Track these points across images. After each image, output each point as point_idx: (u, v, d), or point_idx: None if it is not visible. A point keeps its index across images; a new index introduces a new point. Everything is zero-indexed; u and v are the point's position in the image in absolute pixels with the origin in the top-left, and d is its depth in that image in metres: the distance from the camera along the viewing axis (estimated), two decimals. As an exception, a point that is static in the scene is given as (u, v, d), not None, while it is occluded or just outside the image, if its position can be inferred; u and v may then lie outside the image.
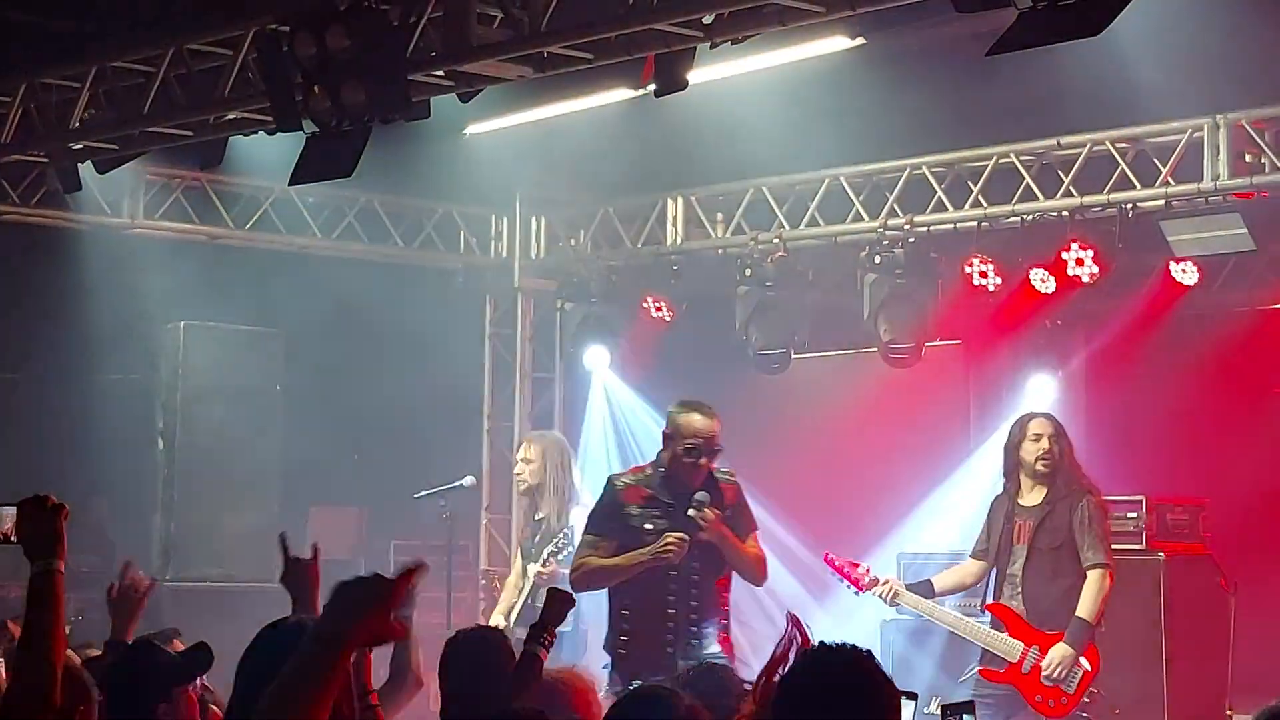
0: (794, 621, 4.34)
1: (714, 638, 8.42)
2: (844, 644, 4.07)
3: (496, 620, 11.06)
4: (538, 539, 11.09)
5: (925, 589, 10.19)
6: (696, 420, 8.40)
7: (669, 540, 8.23)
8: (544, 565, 10.84)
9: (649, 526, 8.38)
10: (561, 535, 10.81)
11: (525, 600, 10.93)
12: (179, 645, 6.44)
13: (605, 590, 8.58)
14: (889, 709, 3.98)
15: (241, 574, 12.93)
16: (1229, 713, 11.11)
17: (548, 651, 6.20)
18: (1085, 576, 9.79)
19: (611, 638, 8.56)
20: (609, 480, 8.79)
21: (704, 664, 6.53)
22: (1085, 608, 9.75)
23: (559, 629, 6.44)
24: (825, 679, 3.99)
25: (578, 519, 10.26)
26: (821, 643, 4.05)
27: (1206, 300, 12.97)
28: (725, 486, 8.52)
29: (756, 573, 8.58)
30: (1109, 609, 10.06)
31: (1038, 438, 10.07)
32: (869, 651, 4.03)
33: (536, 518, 11.26)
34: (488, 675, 6.11)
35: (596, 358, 14.10)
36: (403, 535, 14.24)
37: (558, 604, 6.43)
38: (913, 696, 5.81)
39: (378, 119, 8.69)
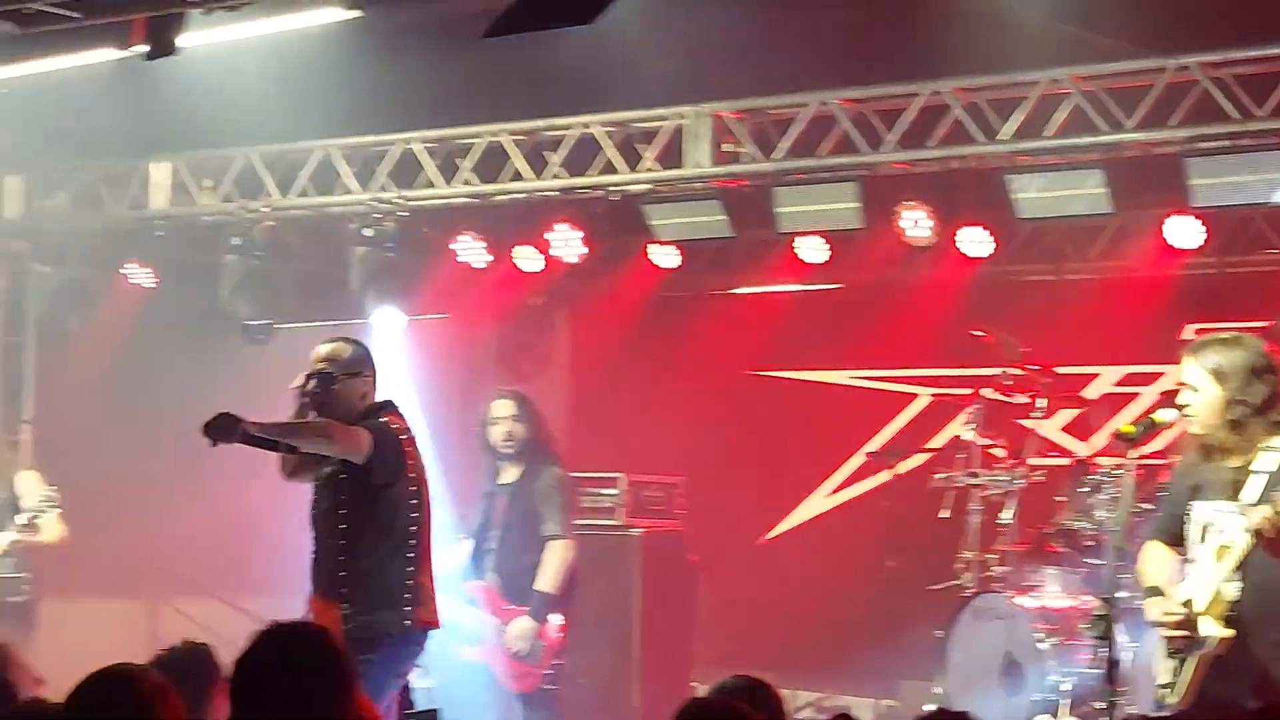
0: None
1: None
2: (298, 621, 4.31)
3: None
4: None
5: None
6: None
7: None
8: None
9: None
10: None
11: None
12: None
13: None
14: (342, 683, 4.10)
15: None
16: (694, 684, 11.51)
17: None
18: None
19: None
20: None
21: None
22: (544, 580, 9.96)
23: None
24: (280, 654, 4.03)
25: None
26: (275, 621, 4.12)
27: (685, 283, 13.40)
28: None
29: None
30: (585, 582, 10.31)
31: (496, 421, 10.25)
32: (323, 629, 4.21)
33: None
34: None
35: (76, 324, 13.63)
36: None
37: None
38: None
39: None
